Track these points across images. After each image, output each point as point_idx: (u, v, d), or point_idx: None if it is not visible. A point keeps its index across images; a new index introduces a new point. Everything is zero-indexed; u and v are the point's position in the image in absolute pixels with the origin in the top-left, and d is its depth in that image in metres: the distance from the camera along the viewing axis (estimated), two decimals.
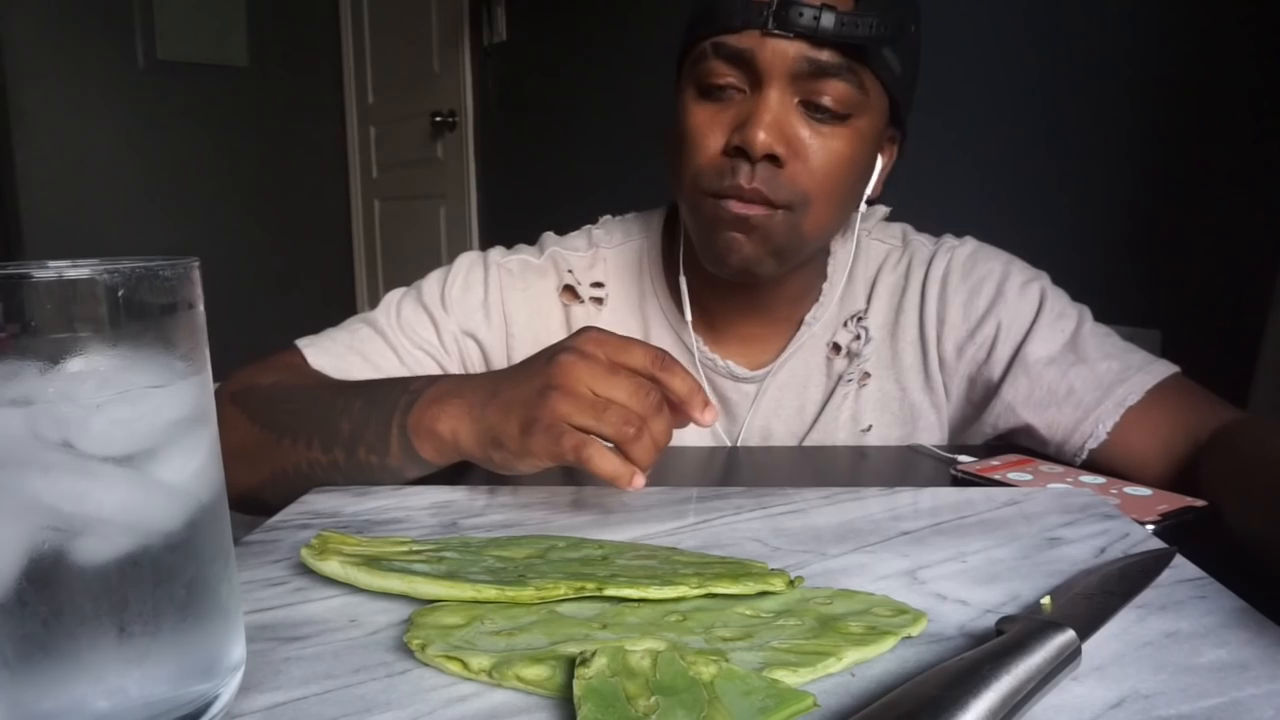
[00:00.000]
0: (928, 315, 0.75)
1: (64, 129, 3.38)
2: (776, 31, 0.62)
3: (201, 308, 0.31)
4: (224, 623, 0.31)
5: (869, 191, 0.71)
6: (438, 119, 3.28)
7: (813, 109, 0.64)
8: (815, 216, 0.66)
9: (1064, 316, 0.72)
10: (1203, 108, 1.46)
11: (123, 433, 0.28)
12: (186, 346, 0.30)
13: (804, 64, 0.62)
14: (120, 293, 0.28)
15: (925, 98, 1.76)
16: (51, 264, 0.27)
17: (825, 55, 0.62)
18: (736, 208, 0.65)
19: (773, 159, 0.63)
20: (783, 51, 0.62)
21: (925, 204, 0.93)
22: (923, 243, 0.79)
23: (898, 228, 0.81)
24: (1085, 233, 1.60)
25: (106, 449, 0.28)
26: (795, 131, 0.64)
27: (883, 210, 0.82)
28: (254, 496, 0.63)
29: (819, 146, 0.64)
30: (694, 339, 0.77)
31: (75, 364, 0.27)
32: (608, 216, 0.85)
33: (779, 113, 0.63)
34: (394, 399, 0.58)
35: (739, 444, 0.77)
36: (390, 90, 3.66)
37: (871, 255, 0.79)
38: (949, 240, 0.78)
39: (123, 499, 0.28)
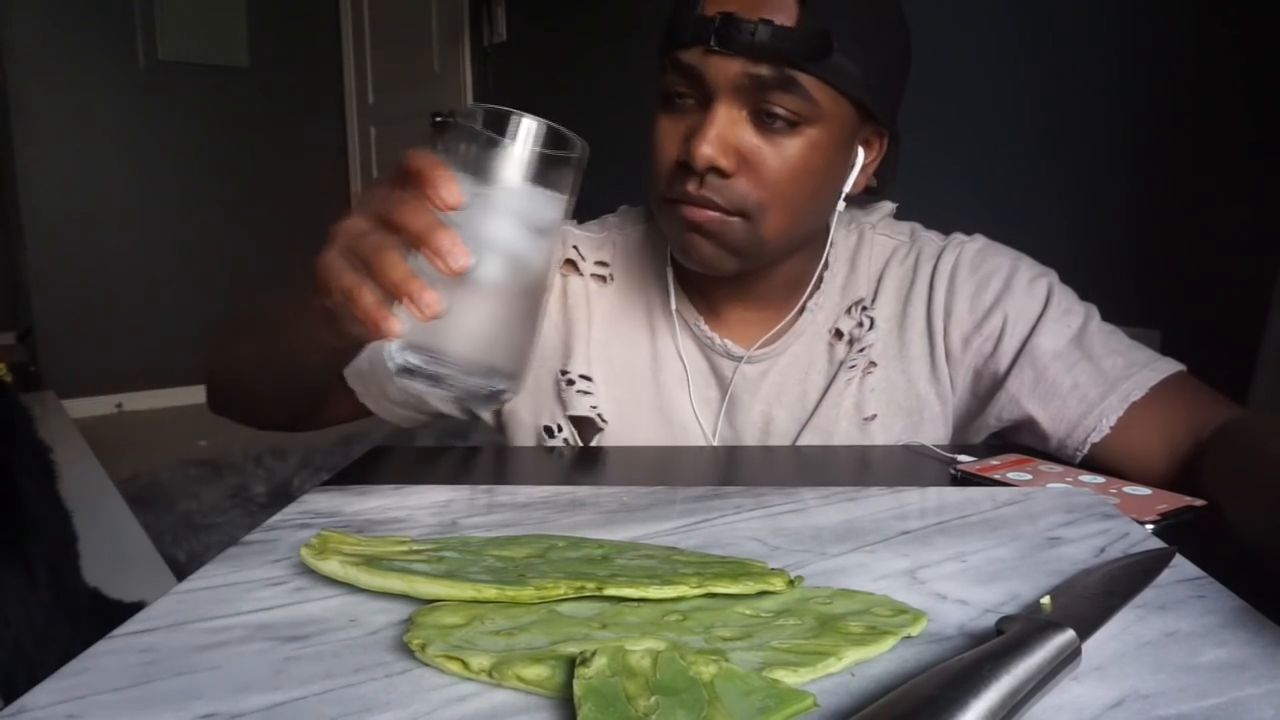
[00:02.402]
0: (935, 307, 0.75)
1: (64, 129, 3.38)
2: (717, 49, 0.64)
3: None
4: (522, 342, 0.51)
5: (847, 188, 0.72)
6: (438, 119, 3.28)
7: (765, 117, 0.65)
8: (773, 222, 0.68)
9: (1071, 312, 0.72)
10: (1202, 108, 1.46)
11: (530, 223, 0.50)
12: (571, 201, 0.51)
13: (745, 79, 0.64)
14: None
15: (928, 101, 1.75)
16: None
17: (765, 70, 0.64)
18: (689, 213, 0.67)
19: (718, 171, 0.66)
20: (725, 67, 0.64)
21: (927, 204, 0.93)
22: (931, 238, 0.79)
23: (906, 225, 0.81)
24: (1086, 233, 1.60)
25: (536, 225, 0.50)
26: (744, 142, 0.65)
27: (889, 206, 0.82)
28: (231, 394, 0.79)
29: (771, 154, 0.66)
30: (698, 318, 0.79)
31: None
32: (625, 206, 0.88)
33: (723, 126, 0.65)
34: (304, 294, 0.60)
35: (740, 429, 0.78)
36: (390, 90, 3.66)
37: (877, 249, 0.80)
38: (958, 236, 0.79)
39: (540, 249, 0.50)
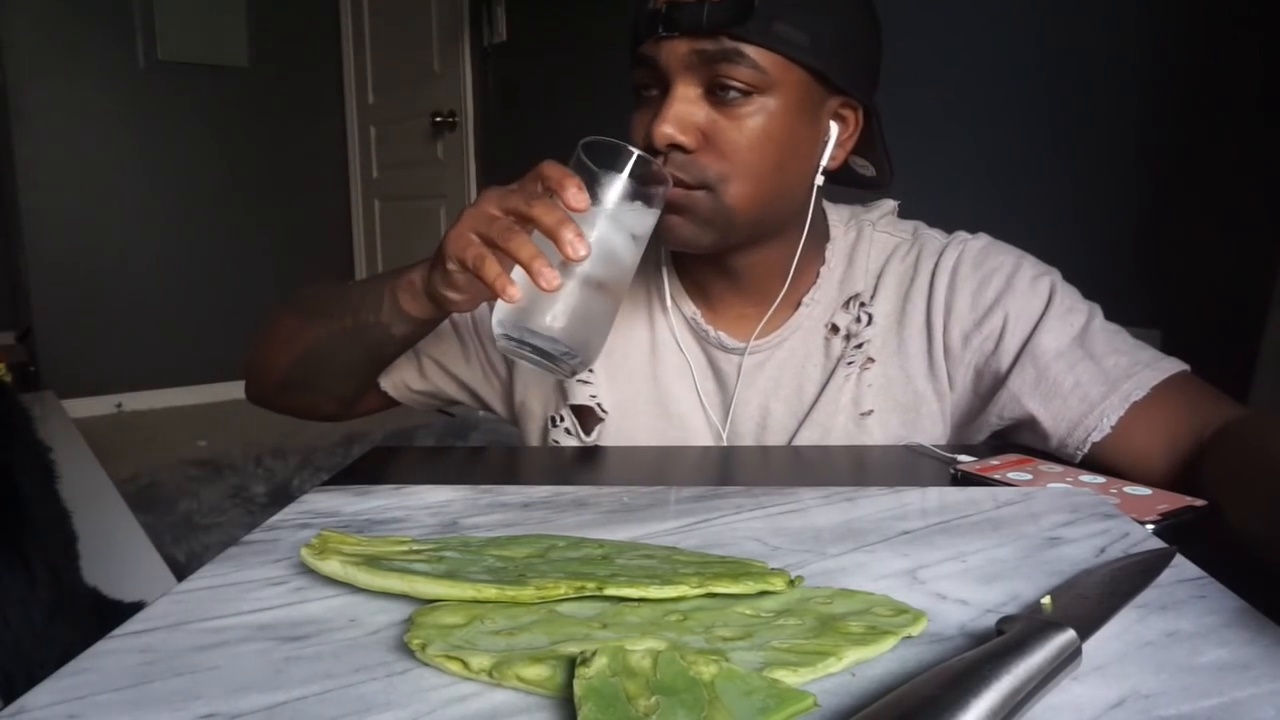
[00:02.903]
0: (935, 304, 0.76)
1: (64, 129, 3.38)
2: (666, 34, 0.68)
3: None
4: (605, 324, 0.62)
5: (824, 162, 0.74)
6: (438, 119, 3.28)
7: (719, 91, 0.68)
8: (739, 191, 0.70)
9: (1074, 311, 0.72)
10: (1204, 109, 1.46)
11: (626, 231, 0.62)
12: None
13: (693, 57, 0.68)
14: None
15: (931, 101, 1.75)
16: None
17: (708, 45, 0.67)
18: None
19: (680, 148, 0.68)
20: (673, 49, 0.68)
21: (931, 203, 0.93)
22: (934, 236, 0.80)
23: (909, 223, 0.82)
24: (1087, 232, 1.60)
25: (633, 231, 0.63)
26: (701, 118, 0.69)
27: (891, 204, 0.83)
28: (289, 375, 0.82)
29: (728, 127, 0.69)
30: (694, 311, 0.80)
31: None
32: None
33: (679, 106, 0.68)
34: (390, 274, 0.74)
35: (737, 421, 0.78)
36: (390, 90, 3.66)
37: (877, 245, 0.80)
38: (961, 234, 0.79)
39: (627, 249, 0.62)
